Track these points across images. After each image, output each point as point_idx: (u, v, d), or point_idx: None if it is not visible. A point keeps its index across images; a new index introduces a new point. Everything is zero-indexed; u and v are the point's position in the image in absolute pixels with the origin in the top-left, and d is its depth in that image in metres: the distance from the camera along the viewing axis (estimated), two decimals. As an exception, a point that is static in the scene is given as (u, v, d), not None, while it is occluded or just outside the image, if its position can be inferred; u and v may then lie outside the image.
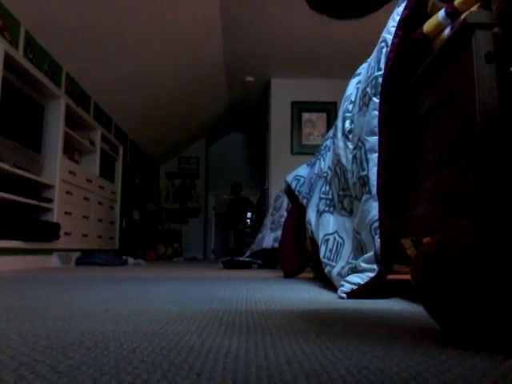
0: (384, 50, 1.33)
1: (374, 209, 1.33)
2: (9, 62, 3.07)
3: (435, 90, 1.09)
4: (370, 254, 1.34)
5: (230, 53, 5.30)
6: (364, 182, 1.40)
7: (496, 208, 0.75)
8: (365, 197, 1.39)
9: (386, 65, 1.31)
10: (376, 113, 1.34)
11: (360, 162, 1.43)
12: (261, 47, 5.20)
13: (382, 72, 1.32)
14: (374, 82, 1.36)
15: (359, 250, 1.46)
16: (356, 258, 1.47)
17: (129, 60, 4.55)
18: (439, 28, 1.10)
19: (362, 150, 1.41)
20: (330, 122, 5.82)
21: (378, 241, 1.30)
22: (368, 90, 1.40)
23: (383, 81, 1.32)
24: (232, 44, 5.08)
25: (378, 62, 1.35)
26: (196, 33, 4.58)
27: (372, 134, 1.36)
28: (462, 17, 0.97)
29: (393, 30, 1.29)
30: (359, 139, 1.45)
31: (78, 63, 4.14)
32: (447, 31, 1.07)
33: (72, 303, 1.16)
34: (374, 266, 1.32)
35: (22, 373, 0.49)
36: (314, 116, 6.02)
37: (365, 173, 1.39)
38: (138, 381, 0.46)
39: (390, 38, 1.30)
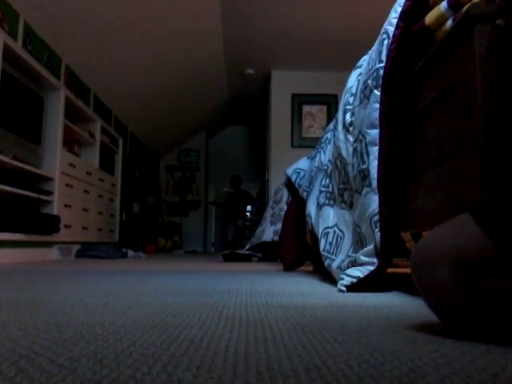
0: (385, 42, 1.31)
1: (374, 202, 1.33)
2: (8, 53, 3.05)
3: (437, 82, 1.08)
4: (370, 247, 1.34)
5: (230, 44, 5.27)
6: (364, 175, 1.39)
7: (497, 201, 0.75)
8: (365, 190, 1.38)
9: (388, 57, 1.30)
10: (377, 105, 1.33)
11: (360, 155, 1.43)
12: (261, 39, 5.17)
13: (383, 64, 1.31)
14: (375, 74, 1.35)
15: (359, 243, 1.46)
16: (356, 251, 1.47)
17: (129, 52, 4.52)
18: (441, 20, 1.09)
19: (363, 143, 1.41)
20: (331, 115, 5.79)
21: (378, 234, 1.30)
22: (369, 82, 1.39)
23: (384, 73, 1.31)
24: (232, 36, 5.05)
25: (380, 53, 1.34)
26: (196, 25, 4.55)
27: (373, 126, 1.35)
28: (465, 8, 0.96)
29: (394, 21, 1.28)
30: (360, 132, 1.45)
31: (77, 55, 4.12)
32: (449, 23, 1.06)
33: (72, 296, 1.16)
34: (374, 260, 1.32)
35: (21, 365, 0.49)
36: (314, 109, 6.00)
37: (365, 166, 1.38)
38: (137, 374, 0.46)
39: (391, 29, 1.29)
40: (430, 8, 1.15)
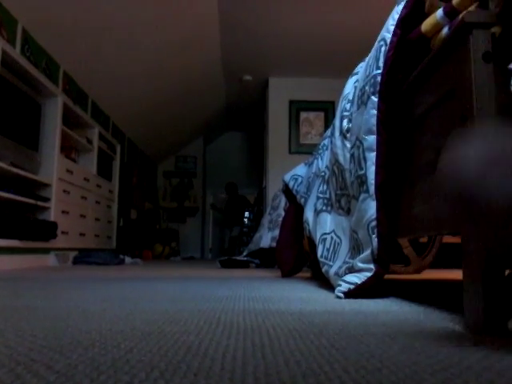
0: (383, 49, 1.32)
1: (371, 208, 1.33)
2: (6, 60, 3.06)
3: (433, 89, 1.09)
4: (367, 253, 1.34)
5: (227, 51, 5.30)
6: (362, 181, 1.40)
7: None
8: (362, 196, 1.39)
9: (385, 63, 1.31)
10: (374, 111, 1.34)
11: (358, 160, 1.43)
12: (259, 46, 5.20)
13: (380, 71, 1.32)
14: (372, 80, 1.36)
15: (356, 249, 1.46)
16: (353, 257, 1.47)
17: (126, 58, 4.54)
18: (437, 27, 1.10)
19: (360, 149, 1.41)
20: (328, 121, 5.82)
21: (375, 240, 1.30)
22: (366, 88, 1.40)
23: (382, 79, 1.32)
24: (230, 42, 5.07)
25: (377, 60, 1.35)
26: (194, 31, 4.57)
27: (370, 132, 1.36)
28: (460, 16, 0.97)
29: (392, 28, 1.29)
30: (357, 138, 1.45)
31: (75, 61, 4.13)
32: (445, 30, 1.07)
33: (69, 302, 1.15)
34: (371, 266, 1.32)
35: (18, 372, 0.48)
36: (311, 115, 6.02)
37: (363, 172, 1.39)
38: (135, 380, 0.46)
39: (388, 36, 1.30)
40: (427, 15, 1.16)
